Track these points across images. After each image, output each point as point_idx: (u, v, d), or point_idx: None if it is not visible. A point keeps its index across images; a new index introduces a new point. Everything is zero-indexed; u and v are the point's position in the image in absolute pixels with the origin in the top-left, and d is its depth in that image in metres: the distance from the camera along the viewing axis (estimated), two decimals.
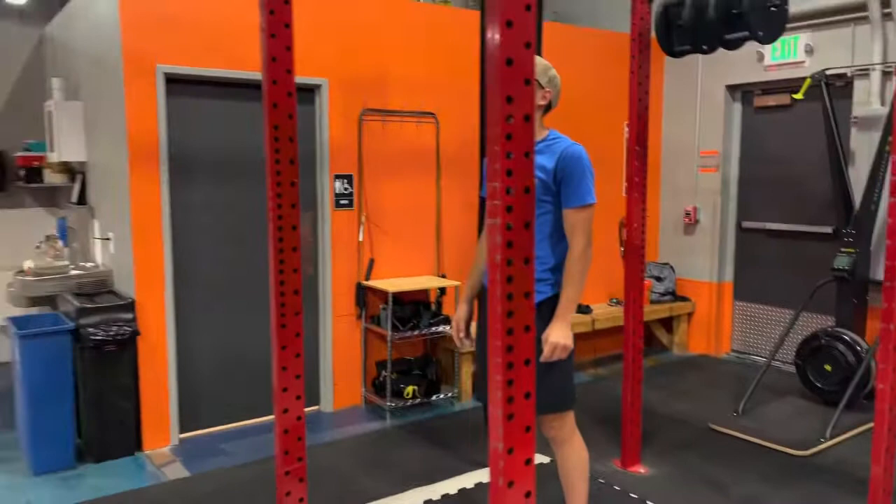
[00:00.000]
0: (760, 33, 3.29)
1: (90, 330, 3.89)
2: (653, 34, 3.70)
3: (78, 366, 3.95)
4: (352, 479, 3.71)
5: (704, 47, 3.51)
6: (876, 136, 4.78)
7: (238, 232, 4.47)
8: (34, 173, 5.58)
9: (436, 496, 3.08)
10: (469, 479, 3.25)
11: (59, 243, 5.44)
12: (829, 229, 5.25)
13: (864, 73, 5.01)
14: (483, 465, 3.55)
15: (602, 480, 3.28)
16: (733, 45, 3.45)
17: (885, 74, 4.90)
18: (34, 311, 4.74)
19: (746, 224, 6.02)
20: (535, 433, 1.71)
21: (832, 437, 4.12)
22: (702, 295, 6.28)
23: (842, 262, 4.64)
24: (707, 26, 3.38)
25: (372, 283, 4.86)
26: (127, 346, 4.01)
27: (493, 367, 1.68)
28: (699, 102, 6.12)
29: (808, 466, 3.88)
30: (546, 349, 2.52)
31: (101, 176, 4.70)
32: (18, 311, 4.75)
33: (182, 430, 4.32)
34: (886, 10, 4.83)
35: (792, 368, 5.02)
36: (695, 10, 3.43)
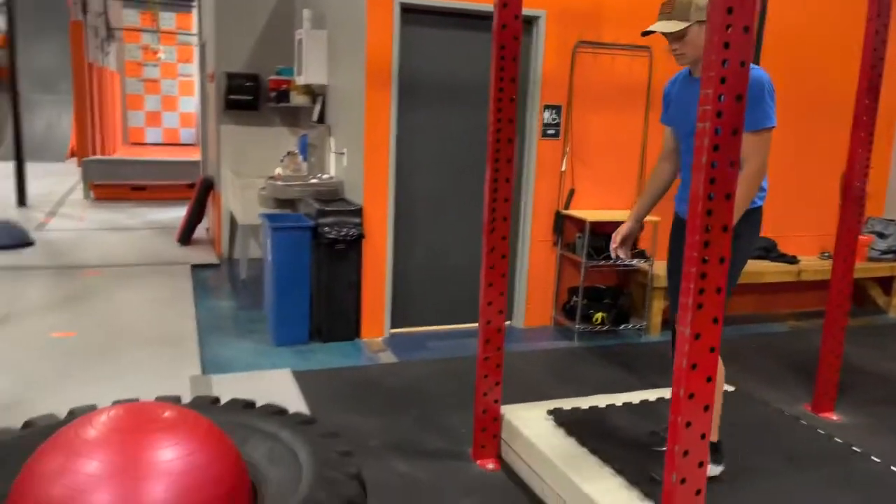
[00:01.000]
0: None
1: (326, 229, 4.53)
2: None
3: (314, 259, 4.62)
4: (539, 383, 4.04)
5: None
6: None
7: (453, 154, 4.87)
8: (282, 95, 6.39)
9: (618, 402, 3.31)
10: (651, 394, 3.43)
11: (299, 158, 6.25)
12: None
13: None
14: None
15: (804, 421, 3.30)
16: None
17: None
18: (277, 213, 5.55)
19: None
20: (718, 353, 1.87)
21: None
22: None
23: None
24: None
25: (571, 211, 5.07)
26: (354, 246, 4.61)
27: (687, 261, 1.85)
28: None
29: None
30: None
31: (339, 98, 5.31)
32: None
33: (393, 326, 4.91)
34: None
35: None
36: None
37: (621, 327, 5.08)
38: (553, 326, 5.26)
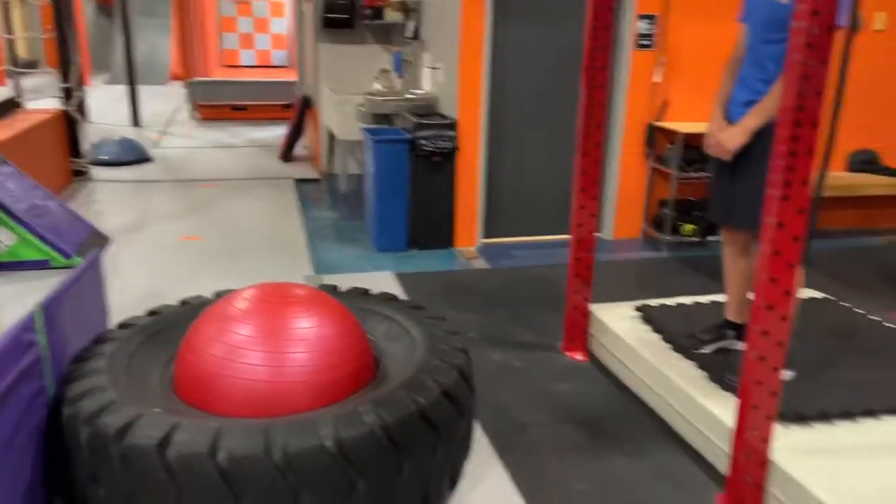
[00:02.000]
0: None
1: (422, 142, 4.76)
2: None
3: (411, 171, 4.88)
4: (627, 288, 4.22)
5: None
6: None
7: (547, 69, 4.95)
8: (377, 12, 6.53)
9: (705, 301, 3.47)
10: None
11: (393, 75, 6.44)
12: None
13: None
14: None
15: (888, 324, 3.35)
16: None
17: None
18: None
19: None
20: (806, 216, 2.00)
21: None
22: None
23: None
24: None
25: (663, 123, 5.09)
26: (449, 158, 4.83)
27: (778, 154, 1.97)
28: None
29: None
30: (710, 141, 2.70)
31: (434, 13, 5.42)
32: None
33: (485, 236, 5.16)
34: None
35: None
36: None
37: (710, 239, 5.14)
38: (642, 238, 5.37)
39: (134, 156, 7.53)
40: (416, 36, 5.87)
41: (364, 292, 2.84)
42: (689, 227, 5.10)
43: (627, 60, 4.96)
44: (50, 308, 2.10)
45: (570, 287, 3.34)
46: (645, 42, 4.96)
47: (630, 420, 2.83)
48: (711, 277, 4.50)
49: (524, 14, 4.81)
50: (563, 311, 3.41)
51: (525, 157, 5.12)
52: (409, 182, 4.88)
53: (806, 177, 1.94)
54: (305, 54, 8.33)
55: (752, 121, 2.59)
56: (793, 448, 2.25)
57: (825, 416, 2.43)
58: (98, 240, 4.67)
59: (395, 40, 6.85)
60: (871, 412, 2.46)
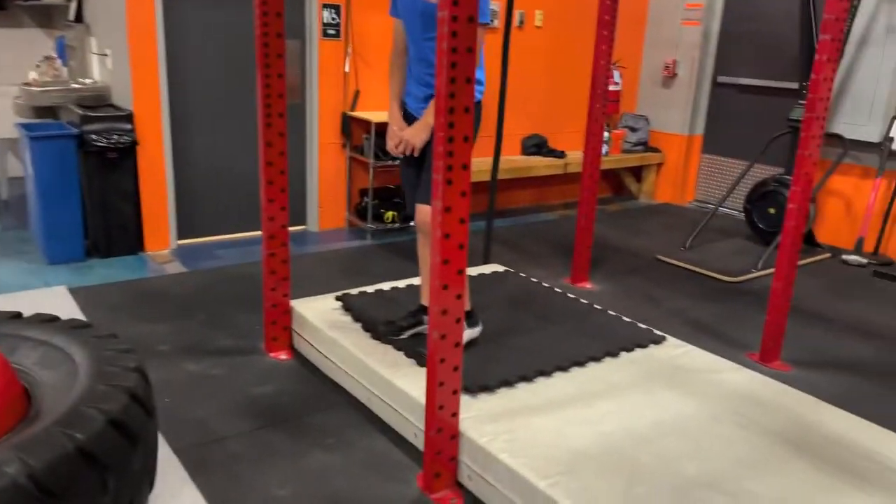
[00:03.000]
0: None
1: (93, 137, 4.22)
2: None
3: (83, 170, 4.31)
4: (332, 279, 4.19)
5: None
6: None
7: (230, 53, 4.69)
8: None
9: (401, 285, 3.58)
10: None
11: (58, 62, 5.64)
12: (795, 85, 5.49)
13: None
14: None
15: (558, 289, 3.76)
16: None
17: None
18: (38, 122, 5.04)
19: (721, 79, 6.25)
20: (469, 198, 2.10)
21: (762, 269, 4.61)
22: (672, 147, 6.60)
23: (797, 113, 4.94)
24: None
25: (357, 113, 5.15)
26: (127, 154, 4.36)
27: (437, 141, 2.03)
28: None
29: (733, 290, 4.40)
30: (393, 141, 2.83)
31: None
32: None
33: (180, 237, 4.77)
34: None
35: (743, 216, 5.46)
36: None
37: (412, 223, 5.34)
38: (347, 228, 5.41)
39: None
40: (79, 18, 5.19)
41: (15, 316, 2.40)
42: (389, 214, 5.25)
43: (316, 50, 4.91)
44: None
45: (267, 284, 3.20)
46: (332, 31, 4.95)
47: (334, 413, 2.80)
48: (413, 259, 4.67)
49: None
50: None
51: (219, 150, 4.83)
52: (80, 182, 4.31)
53: (466, 161, 2.03)
54: None
55: (432, 116, 2.68)
56: (478, 417, 2.39)
57: (507, 382, 2.63)
58: None
59: (58, 23, 6.01)
60: (543, 372, 2.72)
